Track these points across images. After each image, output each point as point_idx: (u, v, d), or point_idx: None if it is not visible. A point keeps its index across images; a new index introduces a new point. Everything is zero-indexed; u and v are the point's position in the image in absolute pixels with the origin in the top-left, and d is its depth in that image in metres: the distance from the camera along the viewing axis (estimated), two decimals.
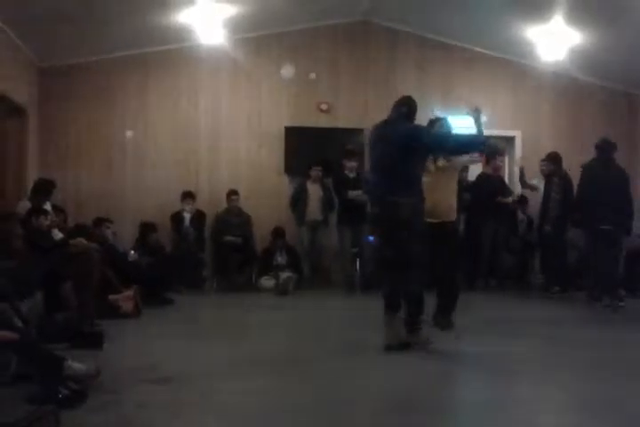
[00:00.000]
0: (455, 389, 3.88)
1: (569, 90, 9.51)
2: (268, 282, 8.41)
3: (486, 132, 4.98)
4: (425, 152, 4.74)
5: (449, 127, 5.07)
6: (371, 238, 8.77)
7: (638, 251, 8.10)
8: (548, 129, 9.58)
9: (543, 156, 8.39)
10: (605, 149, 7.24)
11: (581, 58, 8.72)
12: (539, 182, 8.40)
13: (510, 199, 8.73)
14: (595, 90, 9.68)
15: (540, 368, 4.21)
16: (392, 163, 4.52)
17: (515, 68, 9.57)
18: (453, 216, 5.21)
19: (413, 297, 4.48)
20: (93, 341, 4.45)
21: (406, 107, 4.80)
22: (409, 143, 4.51)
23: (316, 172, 8.80)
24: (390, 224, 4.53)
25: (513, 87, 9.66)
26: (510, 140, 9.55)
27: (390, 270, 4.57)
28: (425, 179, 5.01)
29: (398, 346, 4.38)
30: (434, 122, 5.11)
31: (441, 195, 5.09)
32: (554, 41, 8.28)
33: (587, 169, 7.29)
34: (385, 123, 4.81)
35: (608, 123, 9.63)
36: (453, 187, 5.23)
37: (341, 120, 9.38)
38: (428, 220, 5.01)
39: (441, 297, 5.07)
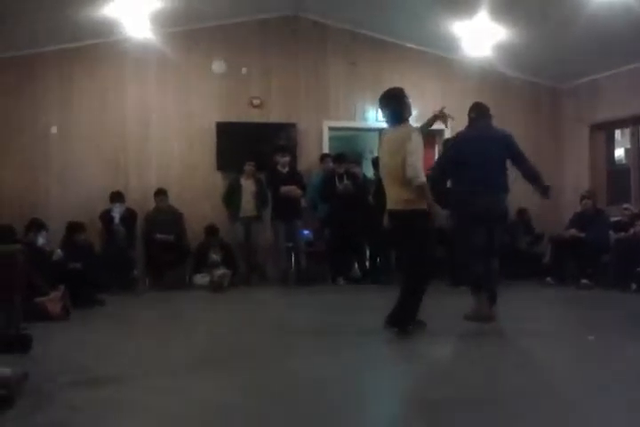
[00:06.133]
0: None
1: (495, 84, 9.72)
2: (202, 279, 8.31)
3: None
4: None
5: None
6: (305, 232, 8.80)
7: (563, 239, 8.36)
8: None
9: None
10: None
11: (507, 53, 8.95)
12: None
13: None
14: (520, 84, 9.95)
15: None
16: (499, 162, 5.22)
17: (443, 63, 9.73)
18: None
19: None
20: (20, 344, 4.26)
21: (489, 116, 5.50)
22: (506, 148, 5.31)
23: (249, 167, 8.73)
24: (496, 216, 5.17)
25: (441, 82, 9.82)
26: (439, 133, 9.69)
27: (482, 257, 5.14)
28: None
29: (487, 318, 4.99)
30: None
31: None
32: (479, 36, 8.48)
33: None
34: (480, 126, 5.40)
35: (533, 116, 9.95)
36: None
37: (273, 115, 9.34)
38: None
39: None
